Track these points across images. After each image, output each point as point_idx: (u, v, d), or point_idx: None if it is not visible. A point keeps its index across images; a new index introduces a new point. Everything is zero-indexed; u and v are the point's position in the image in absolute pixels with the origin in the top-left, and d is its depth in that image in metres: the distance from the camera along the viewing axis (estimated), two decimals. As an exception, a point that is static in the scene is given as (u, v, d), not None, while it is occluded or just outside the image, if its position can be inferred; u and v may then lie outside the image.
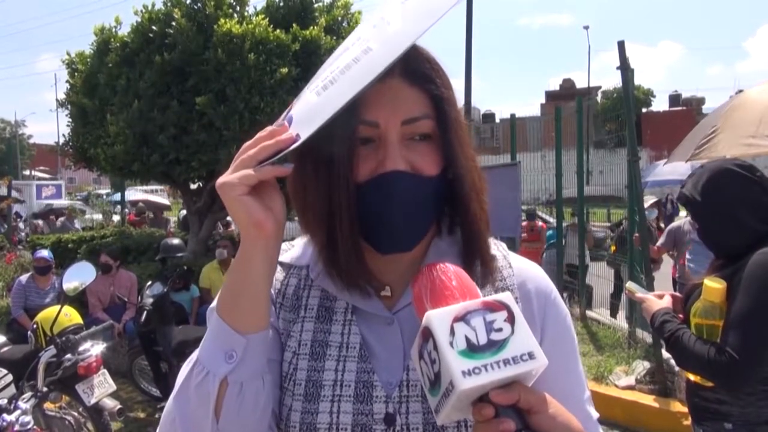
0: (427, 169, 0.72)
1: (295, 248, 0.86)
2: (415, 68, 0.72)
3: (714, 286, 1.65)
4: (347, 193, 0.70)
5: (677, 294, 1.96)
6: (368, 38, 0.67)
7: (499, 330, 0.57)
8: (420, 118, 0.71)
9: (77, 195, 26.84)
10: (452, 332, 0.57)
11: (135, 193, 16.21)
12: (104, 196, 22.17)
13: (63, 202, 19.80)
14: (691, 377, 1.79)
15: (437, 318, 0.58)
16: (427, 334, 0.58)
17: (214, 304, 0.73)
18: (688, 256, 2.47)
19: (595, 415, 0.80)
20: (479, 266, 0.76)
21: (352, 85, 0.63)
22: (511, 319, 0.58)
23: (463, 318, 0.58)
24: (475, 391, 0.55)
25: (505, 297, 0.60)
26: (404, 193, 0.70)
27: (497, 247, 0.83)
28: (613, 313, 6.44)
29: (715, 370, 1.58)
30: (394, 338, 0.76)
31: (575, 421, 0.60)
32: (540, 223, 8.12)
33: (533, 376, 0.58)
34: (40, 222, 13.80)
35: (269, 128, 0.68)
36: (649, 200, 5.95)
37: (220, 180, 0.66)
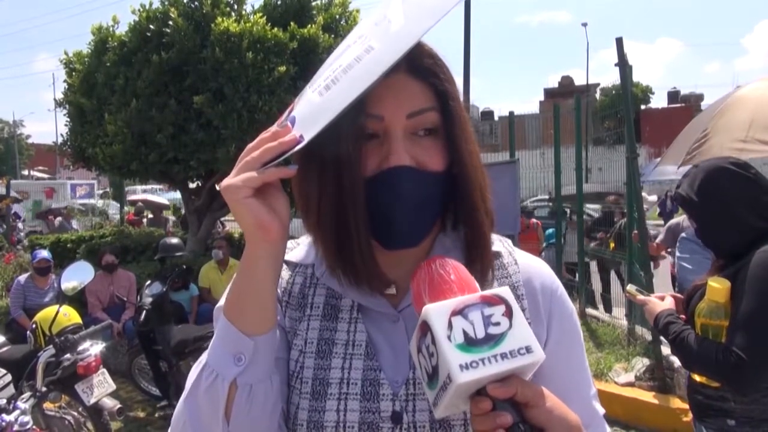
0: (432, 165, 0.71)
1: (300, 247, 0.85)
2: (419, 64, 0.72)
3: (718, 286, 1.64)
4: (358, 190, 0.69)
5: (678, 295, 1.96)
6: (370, 36, 0.67)
7: (497, 324, 0.57)
8: (425, 110, 0.71)
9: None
10: (450, 326, 0.57)
11: (156, 195, 16.10)
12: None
13: (94, 202, 19.96)
14: (697, 377, 1.78)
15: (435, 312, 0.58)
16: (425, 328, 0.58)
17: (221, 302, 0.72)
18: (677, 254, 2.46)
19: (602, 411, 0.80)
20: (482, 262, 0.76)
21: (355, 85, 0.62)
22: (509, 313, 0.58)
23: (461, 312, 0.58)
24: (473, 385, 0.55)
25: (503, 291, 0.60)
26: (409, 189, 0.69)
27: (503, 244, 0.83)
28: (608, 308, 6.43)
29: (723, 371, 1.57)
30: (399, 336, 0.76)
31: (572, 415, 0.60)
32: (534, 220, 8.08)
33: (531, 370, 0.58)
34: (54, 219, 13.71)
35: (272, 129, 0.67)
36: (650, 198, 5.94)
37: (224, 182, 0.66)
